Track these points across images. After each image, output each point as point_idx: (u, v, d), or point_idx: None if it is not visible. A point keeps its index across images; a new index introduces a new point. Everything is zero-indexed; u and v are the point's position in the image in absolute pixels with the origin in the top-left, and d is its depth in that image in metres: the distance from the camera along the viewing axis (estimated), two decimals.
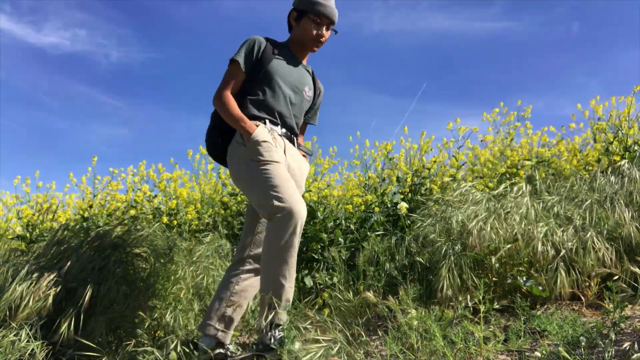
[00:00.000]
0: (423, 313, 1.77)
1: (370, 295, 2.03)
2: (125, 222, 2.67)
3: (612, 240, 2.30)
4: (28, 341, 1.80)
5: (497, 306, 1.99)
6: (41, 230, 3.70)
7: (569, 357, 1.42)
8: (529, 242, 2.22)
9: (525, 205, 2.43)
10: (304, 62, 2.14)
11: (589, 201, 2.50)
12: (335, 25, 2.06)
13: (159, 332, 2.13)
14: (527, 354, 1.63)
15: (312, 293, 2.77)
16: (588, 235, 2.23)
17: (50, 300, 1.92)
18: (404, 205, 3.02)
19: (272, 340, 1.74)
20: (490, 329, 1.77)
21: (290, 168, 1.98)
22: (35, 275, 1.99)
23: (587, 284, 2.19)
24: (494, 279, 2.23)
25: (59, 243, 2.28)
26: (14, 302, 1.89)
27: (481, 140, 3.95)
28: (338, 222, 3.34)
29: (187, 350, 1.81)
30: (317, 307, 2.60)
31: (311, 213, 3.07)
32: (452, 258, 2.22)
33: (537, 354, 1.61)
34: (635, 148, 3.58)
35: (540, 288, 2.13)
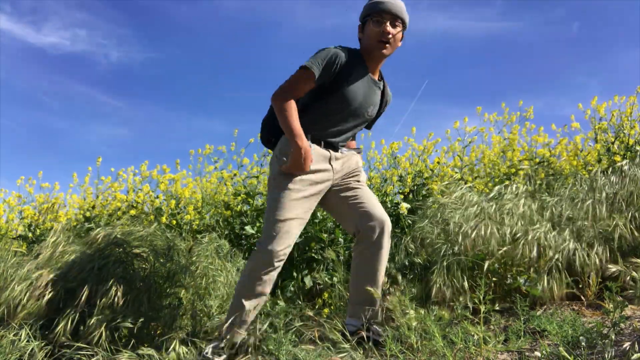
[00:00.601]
0: (422, 313, 1.77)
1: None
2: (126, 222, 2.68)
3: (612, 240, 2.29)
4: (28, 341, 1.81)
5: (497, 307, 1.99)
6: (42, 230, 3.70)
7: (569, 357, 1.42)
8: (527, 242, 2.21)
9: (523, 205, 2.43)
10: (376, 75, 1.99)
11: (589, 201, 2.49)
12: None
13: (159, 331, 2.13)
14: (527, 354, 1.63)
15: (312, 293, 2.77)
16: (588, 235, 2.23)
17: (49, 300, 1.93)
18: (404, 206, 3.02)
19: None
20: (490, 329, 1.77)
21: (339, 176, 1.97)
22: (35, 275, 2.00)
23: (587, 284, 2.19)
24: (493, 279, 2.23)
25: (59, 243, 2.29)
26: (14, 301, 1.90)
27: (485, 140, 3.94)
28: None
29: (187, 350, 1.81)
30: (317, 307, 2.60)
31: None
32: (445, 260, 2.22)
33: (537, 354, 1.60)
34: (637, 148, 3.57)
35: (540, 288, 2.12)
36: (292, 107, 1.82)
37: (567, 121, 4.03)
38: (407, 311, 1.76)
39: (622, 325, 1.61)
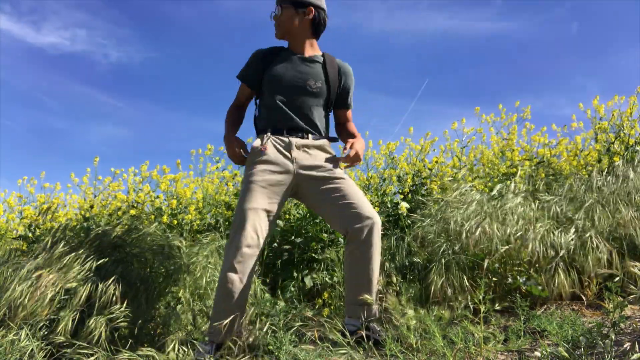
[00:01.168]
0: (422, 313, 1.77)
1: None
2: (126, 222, 2.68)
3: (612, 240, 2.30)
4: (27, 341, 1.80)
5: (497, 307, 1.99)
6: (42, 230, 3.70)
7: (569, 357, 1.41)
8: (527, 242, 2.21)
9: (523, 205, 2.43)
10: (307, 52, 2.06)
11: (589, 201, 2.49)
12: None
13: (158, 331, 2.13)
14: (527, 354, 1.62)
15: (312, 293, 2.77)
16: (588, 235, 2.23)
17: (49, 300, 1.92)
18: (404, 205, 3.02)
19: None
20: (490, 329, 1.77)
21: (302, 166, 1.95)
22: (35, 275, 2.00)
23: (587, 284, 2.19)
24: (493, 279, 2.23)
25: (59, 243, 2.29)
26: (14, 302, 1.89)
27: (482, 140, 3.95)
28: None
29: (186, 350, 1.81)
30: (317, 307, 2.60)
31: (312, 212, 3.07)
32: (444, 259, 2.22)
33: (537, 354, 1.60)
34: (637, 148, 3.57)
35: (540, 288, 2.12)
36: (229, 112, 2.12)
37: (566, 121, 4.04)
38: (406, 311, 1.76)
39: (622, 325, 1.61)
